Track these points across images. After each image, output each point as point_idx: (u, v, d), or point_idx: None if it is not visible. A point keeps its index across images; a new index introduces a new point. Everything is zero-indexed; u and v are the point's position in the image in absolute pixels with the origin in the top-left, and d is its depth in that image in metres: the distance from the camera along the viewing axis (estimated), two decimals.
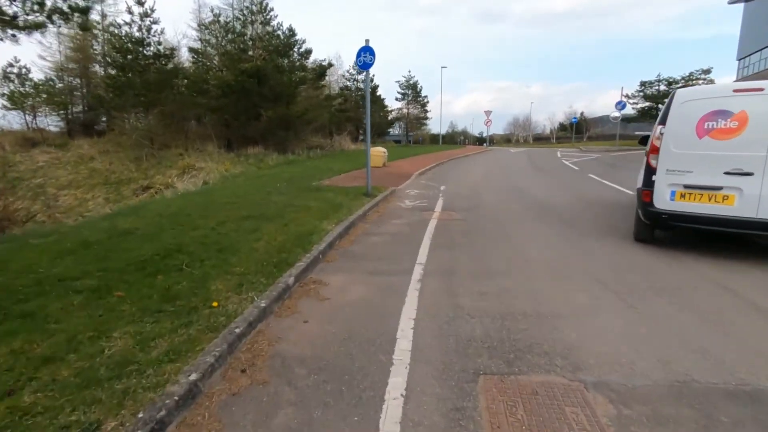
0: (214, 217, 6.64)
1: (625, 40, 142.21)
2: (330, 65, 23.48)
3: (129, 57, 20.08)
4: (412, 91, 49.53)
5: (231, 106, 20.30)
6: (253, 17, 20.70)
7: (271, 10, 21.16)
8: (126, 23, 20.27)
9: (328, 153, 24.35)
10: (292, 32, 21.39)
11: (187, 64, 22.89)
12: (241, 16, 20.60)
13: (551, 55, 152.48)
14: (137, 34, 20.11)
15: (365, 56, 8.53)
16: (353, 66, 42.20)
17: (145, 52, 20.48)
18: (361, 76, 42.22)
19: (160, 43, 21.06)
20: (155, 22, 20.89)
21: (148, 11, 20.29)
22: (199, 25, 21.39)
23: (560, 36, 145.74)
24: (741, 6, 49.33)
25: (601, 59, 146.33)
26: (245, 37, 20.87)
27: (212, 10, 21.21)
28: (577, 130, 63.03)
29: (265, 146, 21.65)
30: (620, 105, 27.61)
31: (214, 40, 21.52)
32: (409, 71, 68.75)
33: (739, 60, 46.90)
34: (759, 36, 43.28)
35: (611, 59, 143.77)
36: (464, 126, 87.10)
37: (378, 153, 16.34)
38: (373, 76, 42.40)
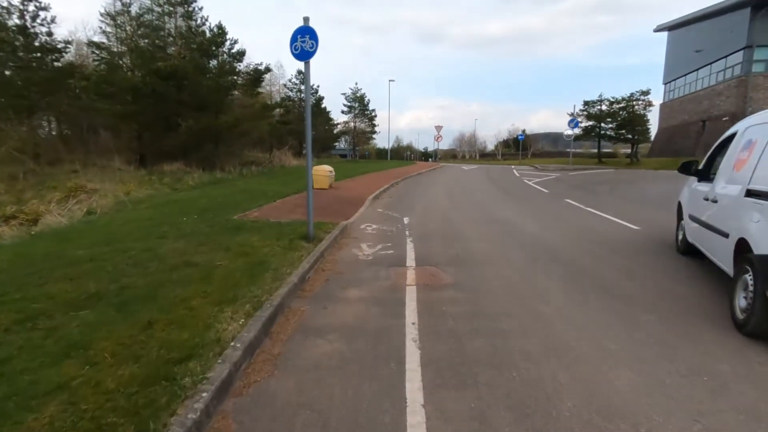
0: (8, 310, 3.58)
1: (551, 65, 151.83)
2: (267, 70, 20.55)
3: (4, 49, 15.84)
4: (359, 104, 47.42)
5: (142, 114, 16.63)
6: (172, 9, 17.29)
7: (194, 1, 17.89)
8: (2, 8, 16.06)
9: (265, 170, 21.17)
10: (221, 30, 18.22)
11: (91, 63, 18.80)
12: (157, 7, 17.12)
13: (487, 75, 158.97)
14: (17, 21, 15.96)
15: (303, 41, 5.87)
16: (296, 75, 39.33)
17: (27, 44, 16.33)
18: (304, 86, 39.43)
19: (50, 34, 16.98)
20: (44, 8, 16.84)
21: None
22: (102, 15, 17.64)
23: (494, 58, 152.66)
24: (665, 34, 52.92)
25: (532, 81, 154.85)
26: (162, 32, 17.36)
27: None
28: (521, 147, 64.30)
29: (187, 162, 18.09)
30: (573, 123, 27.27)
31: (123, 34, 17.79)
32: (356, 83, 67.03)
33: (665, 84, 49.95)
34: (682, 62, 46.25)
35: (541, 81, 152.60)
36: (410, 141, 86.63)
37: (323, 173, 13.63)
38: (317, 87, 39.73)
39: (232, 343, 3.02)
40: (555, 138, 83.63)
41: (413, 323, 3.70)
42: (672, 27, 49.01)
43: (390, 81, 45.35)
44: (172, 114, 16.71)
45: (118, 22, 17.76)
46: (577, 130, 28.81)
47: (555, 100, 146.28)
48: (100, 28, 17.71)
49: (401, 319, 3.78)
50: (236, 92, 21.08)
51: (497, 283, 4.86)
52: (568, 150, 75.13)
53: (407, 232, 7.68)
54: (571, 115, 39.30)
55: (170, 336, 3.09)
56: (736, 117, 36.37)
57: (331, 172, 14.13)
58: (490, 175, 23.21)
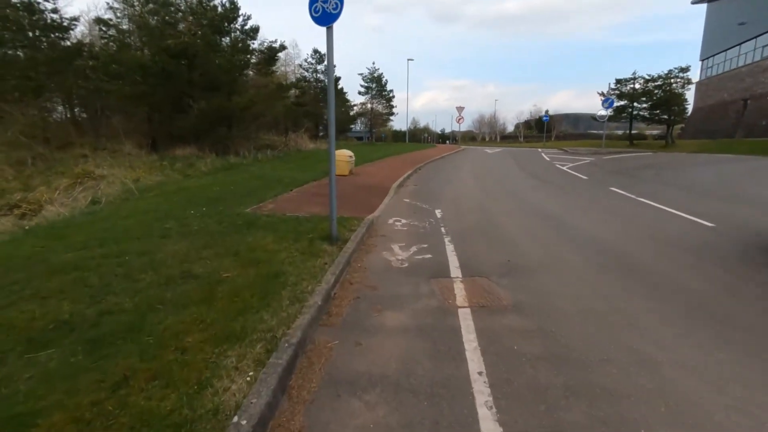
0: None
1: (572, 44, 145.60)
2: (282, 48, 19.39)
3: (9, 28, 15.08)
4: (376, 85, 45.82)
5: (152, 95, 15.77)
6: None
7: None
8: None
9: (280, 154, 20.26)
10: (233, 5, 17.08)
11: (100, 41, 17.94)
12: None
13: (504, 55, 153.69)
14: None
15: (325, 0, 4.80)
16: (311, 55, 37.99)
17: (33, 21, 15.53)
18: (321, 66, 38.07)
19: (55, 11, 16.14)
20: None
21: None
22: None
23: (511, 38, 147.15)
24: (704, 7, 49.44)
25: (550, 61, 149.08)
26: (171, 8, 16.31)
27: None
28: (544, 128, 61.93)
29: (200, 147, 17.29)
30: (608, 102, 25.41)
31: (131, 11, 16.83)
32: (373, 63, 65.08)
33: (703, 60, 46.91)
34: (723, 36, 43.14)
35: (560, 61, 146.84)
36: (426, 122, 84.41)
37: (343, 158, 12.63)
38: (334, 66, 38.32)
39: (236, 418, 2.11)
40: (575, 119, 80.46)
41: (480, 373, 2.73)
42: None
43: (408, 60, 43.55)
44: (183, 95, 15.80)
45: None
46: (609, 111, 26.91)
47: (575, 80, 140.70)
48: (108, 3, 16.81)
49: (462, 366, 2.81)
50: (250, 71, 20.02)
51: (569, 305, 3.84)
52: (592, 131, 72.14)
53: (443, 229, 6.67)
54: (602, 94, 37.10)
55: (149, 403, 2.19)
56: None
57: (351, 157, 13.11)
58: (518, 159, 21.82)
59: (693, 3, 49.89)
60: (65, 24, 16.31)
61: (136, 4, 16.60)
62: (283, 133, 25.92)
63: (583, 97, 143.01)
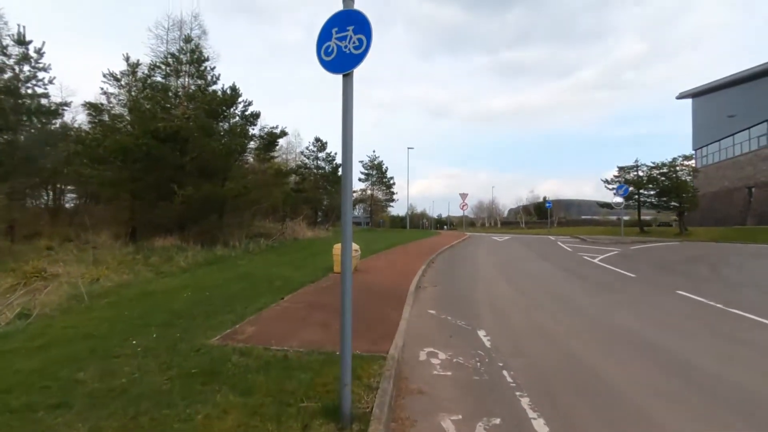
0: None
1: (557, 135, 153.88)
2: (283, 133, 18.54)
3: None
4: (377, 172, 45.81)
5: (134, 181, 14.24)
6: (181, 68, 15.63)
7: (206, 60, 16.26)
8: None
9: (275, 244, 18.30)
10: (234, 91, 16.44)
11: (87, 125, 16.97)
12: (163, 65, 15.47)
13: (494, 145, 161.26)
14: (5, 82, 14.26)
15: (343, 36, 3.12)
16: (313, 143, 38.12)
17: (17, 105, 14.53)
18: (322, 153, 38.00)
19: (45, 96, 15.27)
20: (43, 69, 15.32)
21: (30, 54, 14.76)
22: (106, 76, 16.08)
23: (500, 130, 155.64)
24: (688, 101, 51.85)
25: (538, 151, 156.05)
26: (169, 93, 15.52)
27: (126, 57, 16.00)
28: (544, 214, 61.44)
29: (184, 236, 15.35)
30: (622, 189, 24.34)
31: (126, 96, 16.09)
32: (374, 151, 66.40)
33: (696, 150, 47.79)
34: (713, 127, 44.39)
35: (547, 151, 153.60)
36: (423, 208, 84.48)
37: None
38: (334, 153, 38.27)
39: None
40: (568, 205, 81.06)
41: None
42: (696, 94, 47.96)
43: (409, 149, 44.07)
44: (169, 181, 14.26)
45: (122, 83, 16.24)
46: (617, 199, 25.79)
47: (563, 168, 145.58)
48: (102, 89, 16.18)
49: None
50: (249, 157, 18.93)
51: None
52: (586, 217, 72.00)
53: (507, 376, 4.37)
54: (607, 181, 36.70)
55: None
56: None
57: (356, 251, 11.11)
58: (536, 250, 19.92)
59: (678, 98, 52.51)
60: (53, 108, 15.33)
61: (133, 90, 15.91)
62: (280, 220, 24.28)
63: (572, 185, 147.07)
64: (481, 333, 5.95)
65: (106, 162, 14.83)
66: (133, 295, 8.45)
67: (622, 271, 12.17)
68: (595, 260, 15.09)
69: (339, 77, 3.19)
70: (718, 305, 7.71)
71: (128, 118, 15.83)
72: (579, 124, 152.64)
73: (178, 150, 14.91)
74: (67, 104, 15.59)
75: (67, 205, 21.05)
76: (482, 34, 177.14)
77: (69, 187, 20.44)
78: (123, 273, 11.18)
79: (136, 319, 6.27)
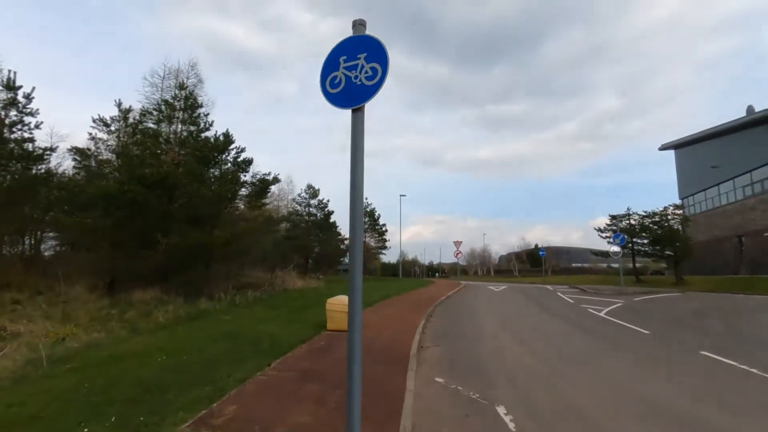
0: None
1: (543, 184, 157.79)
2: (276, 180, 18.16)
3: None
4: (369, 219, 45.44)
5: (117, 229, 13.47)
6: (174, 114, 15.38)
7: (200, 106, 16.07)
8: None
9: (264, 295, 17.30)
10: (227, 137, 16.18)
11: (72, 170, 16.36)
12: (156, 111, 15.21)
13: (481, 193, 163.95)
14: None
15: (353, 66, 2.64)
16: (305, 190, 37.89)
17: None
18: (314, 200, 37.66)
19: (31, 140, 14.79)
20: (30, 114, 14.95)
21: (19, 99, 14.45)
22: (95, 121, 15.73)
23: (487, 178, 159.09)
24: (671, 152, 53.39)
25: (524, 199, 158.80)
26: (159, 139, 15.16)
27: (118, 103, 15.74)
28: (537, 262, 61.03)
29: (167, 288, 14.37)
30: (619, 238, 24.11)
31: (113, 142, 15.70)
32: (366, 198, 66.70)
33: (683, 199, 48.51)
34: (698, 177, 45.36)
35: (533, 199, 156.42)
36: (414, 255, 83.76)
37: (342, 308, 9.79)
38: (327, 200, 37.96)
39: None
40: (557, 252, 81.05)
41: None
42: (678, 145, 49.50)
43: (401, 196, 44.12)
44: (154, 228, 13.52)
45: (112, 128, 15.91)
46: (615, 248, 25.47)
47: (550, 216, 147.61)
48: (90, 134, 15.75)
49: None
50: (239, 203, 18.35)
51: None
52: (576, 265, 71.67)
53: None
54: (599, 230, 36.64)
55: None
56: None
57: None
58: (536, 301, 19.14)
59: (661, 149, 54.14)
60: (37, 153, 14.80)
61: (122, 135, 15.54)
62: (270, 269, 23.31)
63: (559, 232, 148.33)
64: (501, 410, 5.12)
65: (89, 209, 14.11)
66: (101, 360, 7.46)
67: (635, 327, 11.43)
68: (601, 313, 14.36)
69: (345, 112, 2.68)
70: (754, 370, 6.98)
71: (116, 163, 15.32)
72: (564, 173, 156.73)
73: (165, 196, 14.31)
74: (52, 149, 15.05)
75: (45, 254, 20.02)
76: (468, 89, 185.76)
77: (49, 235, 19.56)
78: (94, 331, 10.14)
79: (96, 394, 5.34)
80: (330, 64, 2.73)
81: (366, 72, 2.59)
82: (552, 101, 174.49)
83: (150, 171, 12.84)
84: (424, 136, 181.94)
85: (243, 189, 17.50)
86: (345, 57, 2.68)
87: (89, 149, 15.74)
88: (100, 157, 15.49)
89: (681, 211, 33.09)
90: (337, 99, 2.68)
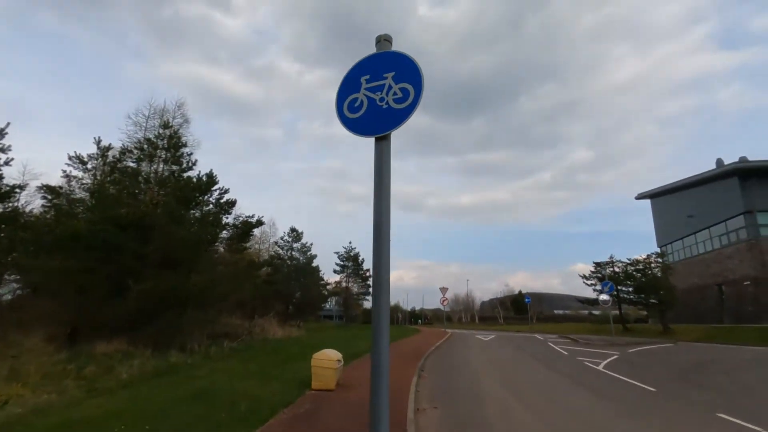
0: None
1: (522, 231, 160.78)
2: (259, 223, 17.47)
3: None
4: (353, 264, 44.48)
5: (84, 272, 12.40)
6: (156, 153, 14.77)
7: (184, 146, 15.55)
8: None
9: (242, 345, 16.06)
10: (210, 178, 15.61)
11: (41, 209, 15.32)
12: (136, 150, 14.58)
13: (463, 238, 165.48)
14: None
15: (378, 86, 2.20)
16: (288, 233, 37.04)
17: None
18: (297, 244, 36.73)
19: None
20: (2, 150, 14.18)
21: None
22: (71, 158, 14.93)
23: (468, 224, 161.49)
24: (647, 201, 54.98)
25: (504, 245, 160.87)
26: (139, 178, 14.46)
27: (97, 141, 15.02)
28: (521, 309, 60.31)
29: (135, 338, 13.14)
30: (608, 287, 23.90)
31: (89, 180, 14.89)
32: (350, 242, 65.39)
33: (661, 247, 49.34)
34: (675, 226, 46.42)
35: (513, 245, 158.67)
36: (396, 300, 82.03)
37: (330, 365, 8.89)
38: (311, 244, 37.09)
39: None
40: (538, 299, 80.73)
41: None
42: (654, 195, 51.08)
43: None
44: (126, 272, 12.52)
45: (89, 166, 15.16)
46: (604, 296, 25.24)
47: (530, 262, 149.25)
48: (64, 172, 14.91)
49: None
50: (219, 246, 17.46)
51: None
52: (558, 312, 71.09)
53: None
54: (584, 277, 36.55)
55: None
56: (759, 281, 33.90)
57: (339, 362, 9.35)
58: (529, 352, 18.35)
59: (637, 198, 55.79)
60: (4, 191, 13.88)
61: (98, 173, 14.77)
62: (249, 316, 22.00)
63: (540, 278, 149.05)
64: None
65: (56, 251, 13.06)
66: (44, 431, 6.36)
67: (637, 383, 10.78)
68: (599, 367, 13.69)
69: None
70: None
71: (89, 203, 14.45)
72: (542, 220, 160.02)
73: (140, 238, 13.42)
74: (22, 187, 14.17)
75: (3, 298, 18.41)
76: (450, 138, 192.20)
77: (10, 278, 18.09)
78: (44, 391, 8.90)
79: None
80: (349, 85, 2.30)
81: (395, 94, 2.15)
82: (529, 151, 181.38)
83: (126, 211, 12.07)
84: (407, 182, 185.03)
85: (224, 231, 16.73)
86: (368, 77, 2.25)
87: (61, 187, 14.88)
88: (73, 196, 14.60)
89: (662, 259, 33.44)
90: (357, 125, 2.21)
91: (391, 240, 2.12)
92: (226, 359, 13.26)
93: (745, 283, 35.28)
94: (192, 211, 15.52)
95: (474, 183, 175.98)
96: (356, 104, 2.26)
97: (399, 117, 2.12)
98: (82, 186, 15.06)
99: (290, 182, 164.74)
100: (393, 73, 2.19)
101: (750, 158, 35.69)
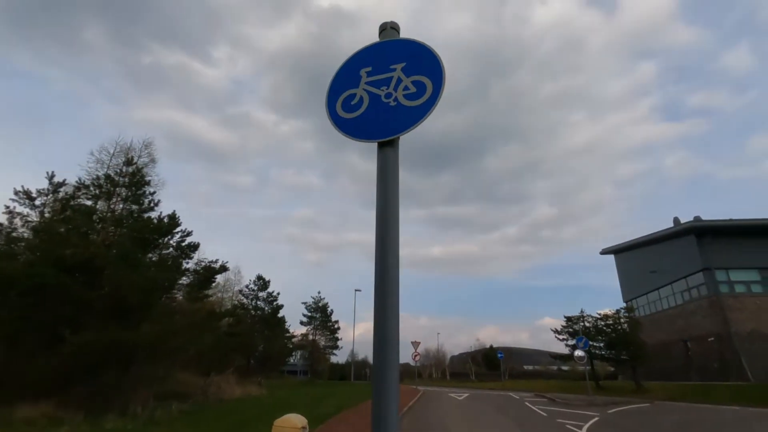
0: None
1: (491, 284, 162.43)
2: (223, 268, 16.33)
3: None
4: (321, 315, 42.58)
5: (12, 321, 10.85)
6: (114, 190, 13.75)
7: (146, 184, 14.60)
8: None
9: (194, 407, 14.29)
10: (173, 219, 14.59)
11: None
12: (93, 186, 13.48)
13: (433, 291, 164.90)
14: None
15: (386, 79, 1.71)
16: (254, 281, 35.28)
17: None
18: (263, 293, 34.90)
19: None
20: None
21: None
22: (17, 193, 13.54)
23: (438, 277, 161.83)
24: (611, 257, 56.56)
25: (473, 299, 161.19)
26: (92, 216, 13.29)
27: (49, 176, 13.77)
28: (492, 364, 58.93)
29: (67, 399, 11.39)
30: (583, 342, 23.50)
31: (35, 218, 13.54)
32: (319, 292, 63.41)
33: (626, 302, 50.19)
34: (639, 281, 47.56)
35: (482, 299, 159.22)
36: (365, 355, 78.65)
37: None
38: (277, 293, 35.35)
39: None
40: (507, 354, 79.65)
41: None
42: (618, 250, 52.68)
43: (356, 291, 42.22)
44: (64, 322, 11.05)
45: (37, 202, 13.82)
46: (579, 352, 24.81)
47: (499, 316, 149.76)
48: (7, 207, 13.49)
49: None
50: (177, 293, 16.04)
51: None
52: (528, 367, 69.96)
53: None
54: (556, 331, 36.23)
55: None
56: (722, 338, 34.44)
57: (304, 428, 8.19)
58: (506, 413, 17.29)
59: (601, 253, 57.40)
60: None
61: (46, 211, 13.50)
62: (205, 372, 20.01)
63: (509, 332, 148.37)
64: None
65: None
66: None
67: None
68: (582, 431, 12.89)
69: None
70: None
71: (34, 242, 13.05)
72: (509, 274, 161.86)
73: (88, 283, 12.06)
74: None
75: None
76: (419, 192, 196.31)
77: None
78: None
79: None
80: (344, 79, 1.81)
81: (406, 88, 1.67)
82: (495, 206, 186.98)
83: (71, 251, 10.87)
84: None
85: (184, 277, 15.44)
86: (370, 69, 1.78)
87: (1, 224, 13.43)
88: (14, 234, 13.16)
89: (630, 314, 33.78)
90: (355, 127, 1.70)
91: (396, 294, 1.54)
92: (172, 424, 11.60)
93: (710, 339, 35.79)
94: (150, 255, 14.30)
95: (444, 235, 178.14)
96: (353, 101, 1.76)
97: (412, 117, 1.62)
98: (27, 224, 13.67)
99: (259, 229, 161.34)
100: (403, 64, 1.72)
101: (703, 217, 37.55)
